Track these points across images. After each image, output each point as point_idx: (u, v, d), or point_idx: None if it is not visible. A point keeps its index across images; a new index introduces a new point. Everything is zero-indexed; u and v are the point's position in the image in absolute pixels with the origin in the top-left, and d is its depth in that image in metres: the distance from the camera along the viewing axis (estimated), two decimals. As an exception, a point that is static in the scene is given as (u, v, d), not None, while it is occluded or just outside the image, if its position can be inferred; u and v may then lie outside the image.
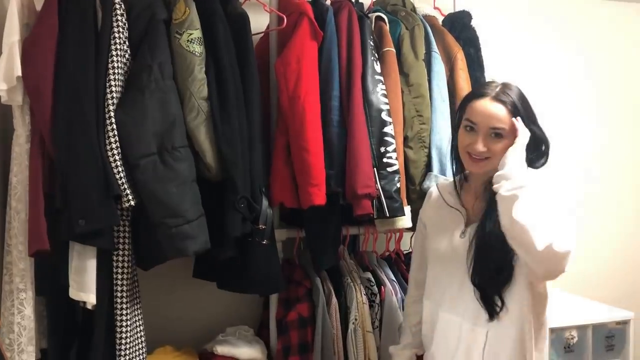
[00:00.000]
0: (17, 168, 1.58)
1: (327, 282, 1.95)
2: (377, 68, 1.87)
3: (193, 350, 1.96)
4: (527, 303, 1.44)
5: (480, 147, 1.46)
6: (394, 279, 2.01)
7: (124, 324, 1.60)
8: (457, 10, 2.24)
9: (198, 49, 1.63)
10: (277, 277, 1.81)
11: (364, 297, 1.91)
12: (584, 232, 2.69)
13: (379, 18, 1.99)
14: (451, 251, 1.55)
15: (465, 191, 1.59)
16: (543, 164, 1.51)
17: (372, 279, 1.98)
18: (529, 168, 1.44)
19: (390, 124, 1.84)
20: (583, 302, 2.38)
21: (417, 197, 1.92)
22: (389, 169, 1.82)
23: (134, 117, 1.54)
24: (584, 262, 2.73)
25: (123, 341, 1.60)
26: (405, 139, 1.92)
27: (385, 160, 1.82)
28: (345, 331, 1.89)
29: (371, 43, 1.88)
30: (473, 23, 2.14)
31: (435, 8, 2.24)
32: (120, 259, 1.60)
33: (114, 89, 1.54)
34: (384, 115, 1.83)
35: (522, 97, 1.49)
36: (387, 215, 1.81)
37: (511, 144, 1.45)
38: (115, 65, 1.55)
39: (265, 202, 1.75)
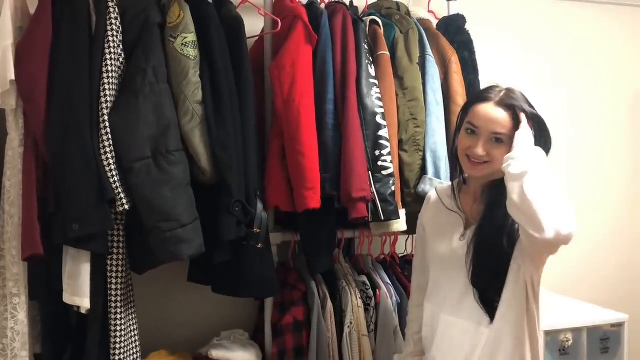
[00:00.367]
0: (10, 172, 1.58)
1: (322, 285, 1.95)
2: (372, 71, 1.87)
3: (188, 354, 1.95)
4: (524, 303, 1.44)
5: (480, 151, 1.46)
6: (389, 282, 2.01)
7: (118, 328, 1.59)
8: (451, 13, 2.25)
9: (192, 52, 1.63)
10: (272, 280, 1.81)
11: (359, 300, 1.91)
12: (579, 235, 2.69)
13: (373, 21, 1.99)
14: (450, 254, 1.56)
15: (465, 194, 1.60)
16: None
17: (368, 283, 1.97)
18: (538, 148, 1.43)
19: (385, 128, 1.84)
20: (578, 304, 2.39)
21: (412, 200, 1.92)
22: (384, 172, 1.82)
23: (128, 120, 1.54)
24: (578, 265, 2.75)
25: (117, 345, 1.59)
26: (400, 142, 1.93)
27: (380, 163, 1.82)
28: (340, 335, 1.89)
29: (366, 46, 1.89)
30: (467, 26, 2.15)
31: (429, 11, 2.25)
32: (115, 263, 1.60)
33: (108, 92, 1.54)
34: (378, 119, 1.84)
35: (526, 101, 1.49)
36: (382, 218, 1.81)
37: (510, 150, 1.45)
38: (110, 68, 1.55)
39: (260, 206, 1.74)
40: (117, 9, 1.58)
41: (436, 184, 1.88)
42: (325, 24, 1.86)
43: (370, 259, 2.12)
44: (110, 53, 1.55)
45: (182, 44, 1.62)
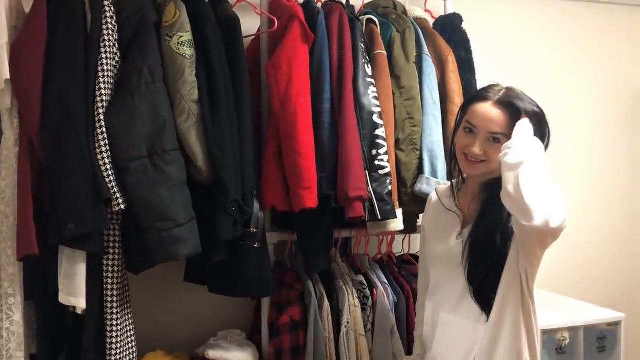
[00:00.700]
0: (5, 172, 1.57)
1: (319, 285, 1.95)
2: (369, 71, 1.87)
3: (184, 355, 1.95)
4: (520, 300, 1.44)
5: (477, 150, 1.47)
6: (386, 281, 2.01)
7: (114, 328, 1.59)
8: (447, 13, 2.25)
9: (188, 51, 1.62)
10: (269, 280, 1.80)
11: (356, 300, 1.91)
12: (576, 234, 2.70)
13: (370, 21, 1.99)
14: (448, 253, 1.57)
15: (463, 193, 1.60)
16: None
17: (364, 282, 1.97)
18: (536, 138, 1.43)
19: (381, 127, 1.84)
20: (575, 303, 2.39)
21: (408, 199, 1.92)
22: (381, 172, 1.82)
23: (124, 120, 1.53)
24: (575, 264, 2.75)
25: (113, 346, 1.59)
26: (397, 141, 1.92)
27: (376, 162, 1.82)
28: (337, 334, 1.88)
29: (362, 46, 1.88)
30: (464, 26, 2.15)
31: (426, 11, 2.25)
32: (111, 263, 1.59)
33: (103, 92, 1.53)
34: (375, 118, 1.83)
35: (526, 99, 1.49)
36: (379, 218, 1.81)
37: None
38: (105, 68, 1.54)
39: (256, 205, 1.74)
40: (112, 8, 1.57)
41: (433, 183, 1.89)
42: (322, 23, 1.85)
43: (367, 258, 2.12)
44: (105, 52, 1.55)
45: (178, 43, 1.62)
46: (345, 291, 1.91)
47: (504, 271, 1.45)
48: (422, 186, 1.90)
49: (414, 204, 1.93)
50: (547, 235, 1.33)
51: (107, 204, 1.53)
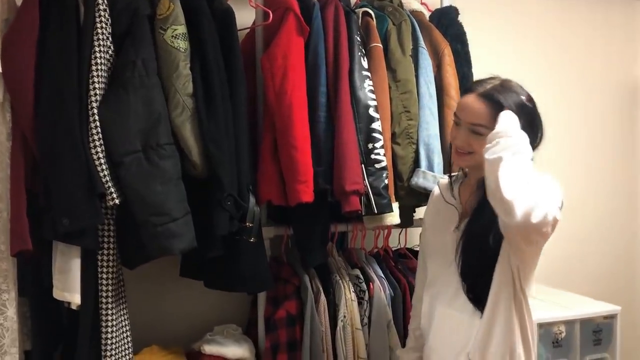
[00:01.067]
0: (-2, 166, 1.55)
1: (316, 279, 1.94)
2: (365, 64, 1.86)
3: (181, 350, 1.95)
4: (512, 295, 1.43)
5: (459, 141, 1.48)
6: (382, 275, 2.00)
7: (110, 324, 1.58)
8: (444, 5, 2.24)
9: (183, 44, 1.61)
10: (265, 275, 1.80)
11: (353, 294, 1.91)
12: (572, 228, 2.70)
13: (365, 13, 1.98)
14: (443, 246, 1.57)
15: (465, 186, 1.60)
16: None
17: (361, 276, 1.97)
18: (521, 132, 1.40)
19: (377, 120, 1.83)
20: (571, 297, 2.40)
21: (405, 193, 1.92)
22: (377, 166, 1.82)
23: (117, 113, 1.51)
24: (572, 258, 2.75)
25: (109, 341, 1.58)
26: (393, 135, 1.92)
27: (373, 156, 1.82)
28: (334, 328, 1.88)
29: (358, 39, 1.87)
30: (460, 18, 2.14)
31: (422, 3, 2.23)
32: (105, 258, 1.58)
33: (97, 85, 1.52)
34: (371, 112, 1.82)
35: (518, 93, 1.46)
36: (375, 211, 1.80)
37: None
38: (99, 61, 1.53)
39: (252, 200, 1.73)
40: (105, 1, 1.55)
41: (429, 177, 1.88)
42: (317, 15, 1.84)
43: (364, 252, 2.11)
44: (99, 45, 1.53)
45: (172, 36, 1.60)
46: (342, 285, 1.91)
47: (496, 268, 1.44)
48: (418, 180, 1.90)
49: (410, 197, 1.93)
50: (530, 231, 1.30)
51: (102, 198, 1.52)
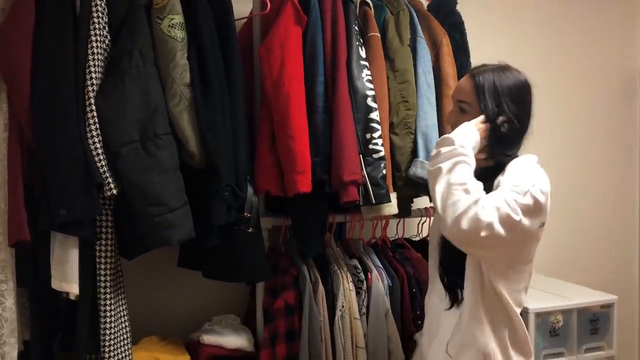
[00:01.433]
0: (-5, 157, 1.55)
1: (314, 269, 1.94)
2: (362, 53, 1.85)
3: (179, 340, 1.95)
4: (479, 288, 1.43)
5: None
6: (380, 265, 2.01)
7: (108, 314, 1.58)
8: (442, -5, 2.23)
9: (180, 34, 1.60)
10: (264, 265, 1.80)
11: (351, 284, 1.91)
12: (569, 218, 2.71)
13: (363, 2, 1.97)
14: (433, 237, 1.61)
15: None
16: (509, 153, 1.49)
17: (359, 266, 1.97)
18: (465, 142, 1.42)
19: (375, 110, 1.83)
20: (568, 286, 2.40)
21: (403, 183, 1.92)
22: (375, 156, 1.81)
23: (114, 104, 1.51)
24: (569, 248, 2.76)
25: (107, 332, 1.58)
26: (391, 125, 1.91)
27: (371, 146, 1.81)
28: (332, 318, 1.88)
29: (356, 28, 1.86)
30: (458, 8, 2.13)
31: (420, -7, 2.22)
32: (103, 248, 1.58)
33: (94, 75, 1.51)
34: (369, 102, 1.82)
35: (496, 84, 1.46)
36: (373, 202, 1.80)
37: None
38: (95, 51, 1.52)
39: (250, 190, 1.73)
40: (101, -10, 1.54)
41: (427, 167, 1.88)
42: (315, 5, 1.83)
43: (362, 242, 2.11)
44: (95, 35, 1.52)
45: (169, 26, 1.59)
46: (340, 275, 1.91)
47: (467, 259, 1.45)
48: (416, 170, 1.89)
49: (408, 188, 1.93)
50: (465, 238, 1.32)
51: (99, 189, 1.52)
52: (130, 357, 1.66)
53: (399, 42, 1.94)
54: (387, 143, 1.87)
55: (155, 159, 1.52)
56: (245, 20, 2.00)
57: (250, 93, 1.89)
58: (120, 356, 1.62)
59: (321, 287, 1.89)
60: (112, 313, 1.59)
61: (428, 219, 2.13)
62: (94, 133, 1.49)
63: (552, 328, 2.15)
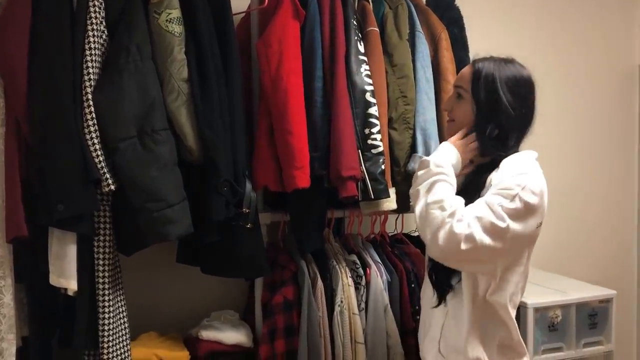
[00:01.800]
0: (-8, 153, 1.54)
1: (313, 265, 1.94)
2: (361, 48, 1.85)
3: (178, 336, 1.95)
4: (477, 286, 1.41)
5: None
6: (379, 260, 2.01)
7: (107, 310, 1.58)
8: (441, -11, 2.22)
9: (177, 29, 1.59)
10: (262, 260, 1.80)
11: (350, 279, 1.91)
12: (568, 213, 2.71)
13: (362, -3, 1.96)
14: None
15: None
16: (504, 151, 1.47)
17: (358, 261, 1.97)
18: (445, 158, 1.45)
19: (374, 105, 1.82)
20: (567, 281, 2.41)
21: (401, 179, 1.91)
22: (374, 151, 1.81)
23: (112, 99, 1.50)
24: (568, 243, 2.76)
25: (106, 327, 1.58)
26: (390, 120, 1.91)
27: (369, 142, 1.81)
28: (331, 314, 1.88)
29: (354, 22, 1.86)
30: (457, 2, 2.12)
31: (419, -13, 2.21)
32: (102, 244, 1.58)
33: (91, 70, 1.50)
34: (368, 97, 1.81)
35: (495, 74, 1.45)
36: (372, 197, 1.80)
37: (470, 110, 1.47)
38: (92, 46, 1.51)
39: (248, 186, 1.73)
40: (98, -16, 1.53)
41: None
42: (313, -1, 1.82)
43: (360, 238, 2.11)
44: (92, 30, 1.51)
45: (167, 20, 1.58)
46: (339, 270, 1.91)
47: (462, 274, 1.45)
48: (414, 165, 1.89)
49: (407, 183, 1.91)
50: (446, 253, 1.32)
51: (97, 184, 1.51)
52: (129, 352, 1.66)
53: (397, 37, 1.93)
54: (385, 138, 1.87)
55: (153, 154, 1.52)
56: (243, 14, 1.99)
57: (248, 88, 1.88)
58: (119, 352, 1.61)
59: (320, 283, 1.89)
60: (111, 309, 1.59)
61: (427, 214, 2.12)
62: (92, 128, 1.49)
63: (551, 323, 2.15)
